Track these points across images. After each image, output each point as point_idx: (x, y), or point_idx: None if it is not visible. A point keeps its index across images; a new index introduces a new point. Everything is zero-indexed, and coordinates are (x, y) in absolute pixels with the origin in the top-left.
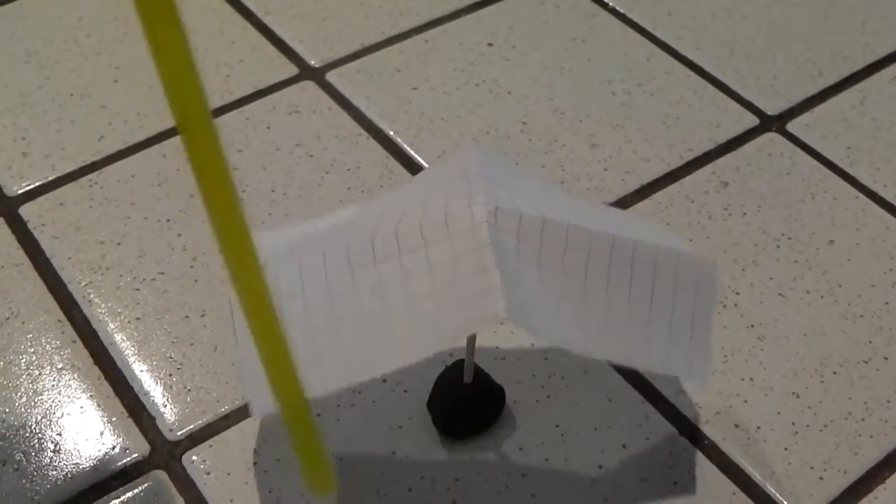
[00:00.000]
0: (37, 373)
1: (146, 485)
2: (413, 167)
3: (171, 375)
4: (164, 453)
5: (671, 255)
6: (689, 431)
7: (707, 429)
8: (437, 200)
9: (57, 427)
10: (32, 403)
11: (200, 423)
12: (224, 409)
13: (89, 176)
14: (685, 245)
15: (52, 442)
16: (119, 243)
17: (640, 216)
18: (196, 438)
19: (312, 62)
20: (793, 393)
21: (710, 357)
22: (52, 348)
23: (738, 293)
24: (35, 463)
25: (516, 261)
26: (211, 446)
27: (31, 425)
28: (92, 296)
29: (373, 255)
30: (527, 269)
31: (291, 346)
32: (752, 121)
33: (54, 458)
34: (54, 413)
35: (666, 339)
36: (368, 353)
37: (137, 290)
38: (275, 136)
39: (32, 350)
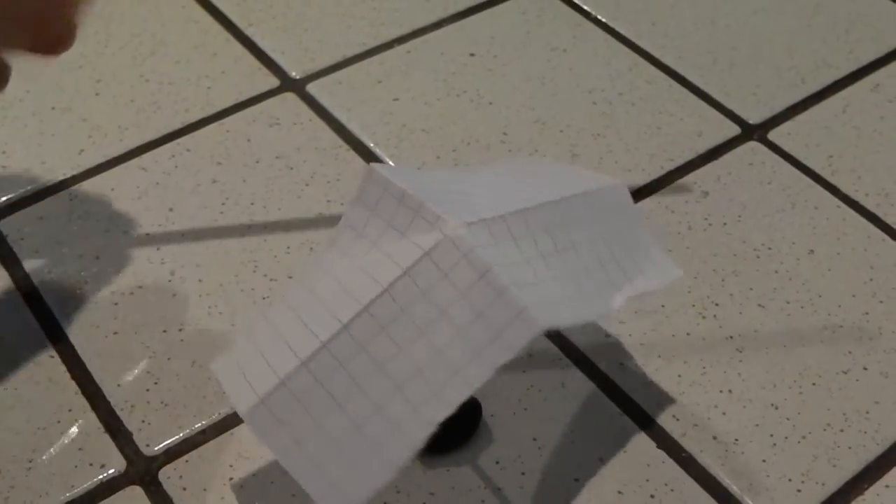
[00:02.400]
0: (13, 387)
1: (122, 501)
2: None
3: (148, 390)
4: (141, 469)
5: (596, 196)
6: (667, 444)
7: (684, 441)
8: (383, 241)
9: (32, 442)
10: (7, 418)
11: (177, 438)
12: (201, 424)
13: (69, 189)
14: (591, 174)
15: (27, 458)
16: (98, 257)
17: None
18: (172, 454)
19: (293, 74)
20: (771, 404)
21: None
22: (29, 363)
23: (717, 304)
24: (9, 479)
25: (509, 267)
26: (187, 462)
27: (6, 441)
28: (70, 310)
29: (377, 323)
30: (520, 269)
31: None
32: (733, 130)
33: (29, 474)
34: (30, 428)
35: (634, 263)
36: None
37: (116, 304)
38: (255, 148)
39: (8, 364)
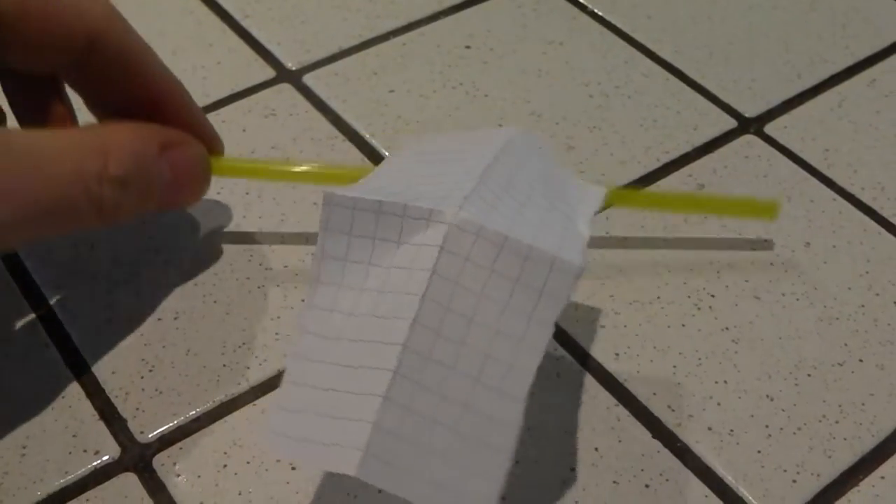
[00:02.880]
0: (7, 375)
1: (116, 487)
2: None
3: (142, 377)
4: (135, 456)
5: (513, 145)
6: (662, 434)
7: (680, 431)
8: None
9: (26, 429)
10: (2, 406)
11: (171, 425)
12: (195, 411)
13: None
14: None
15: (21, 445)
16: (92, 246)
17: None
18: (167, 441)
19: (289, 65)
20: (767, 395)
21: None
22: (24, 350)
23: (713, 296)
24: (3, 466)
25: (514, 229)
26: (181, 449)
27: (1, 428)
28: (65, 298)
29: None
30: (520, 228)
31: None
32: (729, 123)
33: (23, 460)
34: (24, 415)
35: (570, 195)
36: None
37: (110, 292)
38: (251, 138)
39: (2, 352)
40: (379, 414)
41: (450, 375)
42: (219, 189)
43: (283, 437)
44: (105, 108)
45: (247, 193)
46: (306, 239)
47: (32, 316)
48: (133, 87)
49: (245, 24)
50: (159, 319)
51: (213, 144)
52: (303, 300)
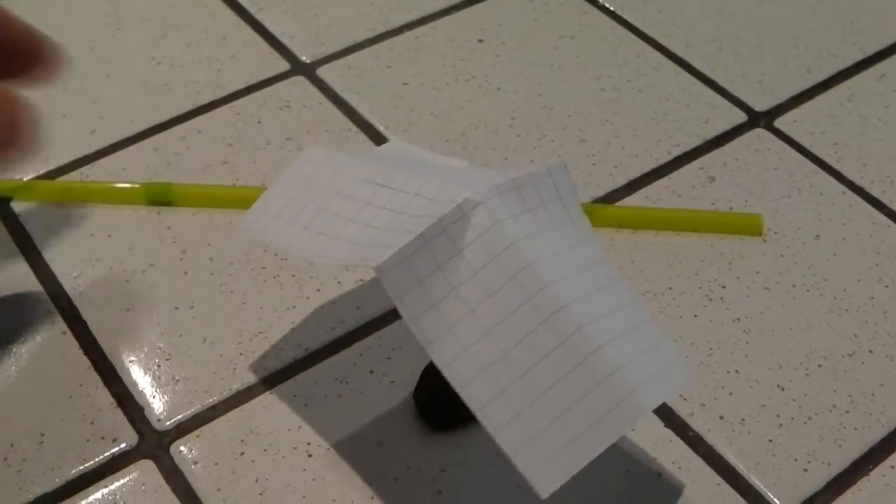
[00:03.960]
0: (25, 363)
1: (134, 474)
2: None
3: (159, 366)
4: (152, 443)
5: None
6: (675, 423)
7: (692, 421)
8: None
9: (45, 417)
10: (20, 393)
11: (188, 413)
12: (212, 399)
13: (81, 169)
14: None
15: (40, 432)
16: (110, 235)
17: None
18: (184, 429)
19: (303, 58)
20: (778, 386)
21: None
22: (42, 339)
23: (724, 287)
24: (22, 453)
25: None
26: (198, 436)
27: (18, 415)
28: (82, 287)
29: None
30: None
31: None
32: (740, 117)
33: (41, 448)
34: (43, 403)
35: (436, 159)
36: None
37: (127, 281)
38: (266, 130)
39: (22, 340)
40: (613, 362)
41: (596, 296)
42: (234, 180)
43: (547, 464)
44: None
45: (263, 184)
46: None
47: (51, 305)
48: None
49: (259, 17)
50: (176, 308)
51: (44, 54)
52: (318, 290)
